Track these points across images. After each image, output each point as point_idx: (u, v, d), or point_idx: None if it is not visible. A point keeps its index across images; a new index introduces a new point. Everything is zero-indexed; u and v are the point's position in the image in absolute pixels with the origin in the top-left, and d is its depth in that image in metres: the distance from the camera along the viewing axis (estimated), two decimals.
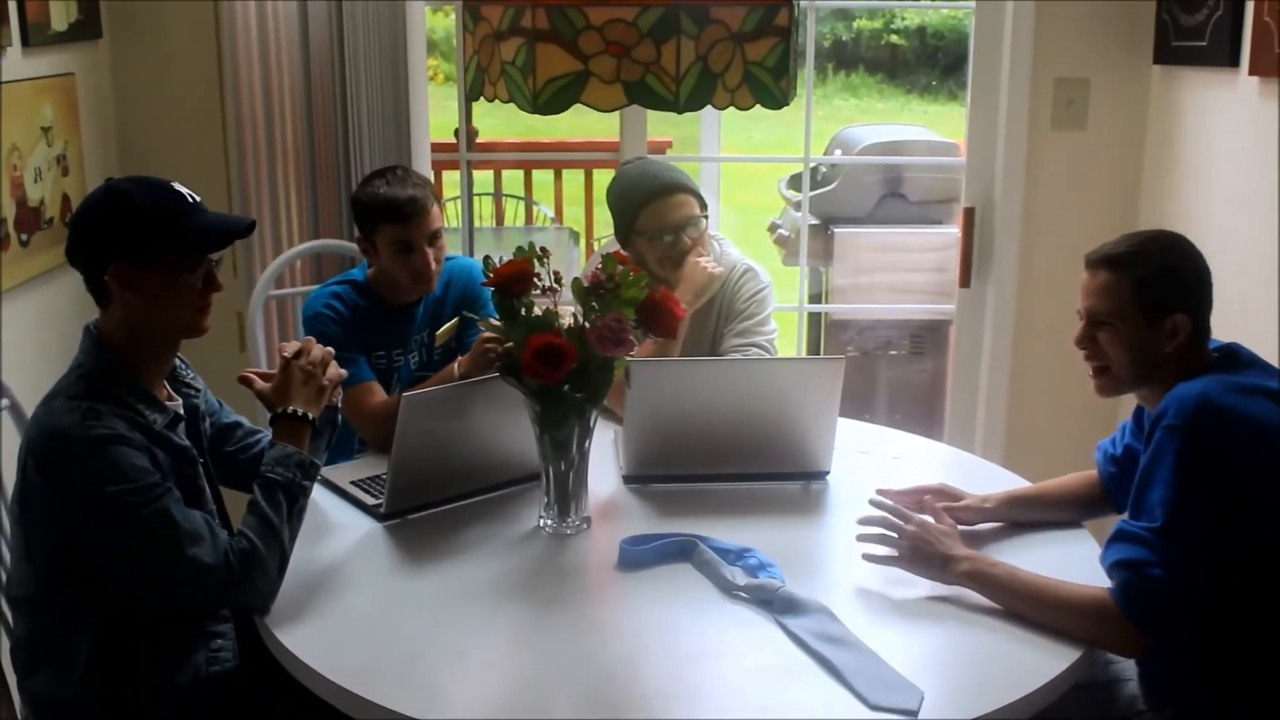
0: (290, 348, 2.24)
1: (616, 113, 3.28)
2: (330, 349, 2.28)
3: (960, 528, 2.23)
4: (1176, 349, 2.09)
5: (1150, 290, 2.09)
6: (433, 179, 3.81)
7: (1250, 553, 1.95)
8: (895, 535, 2.16)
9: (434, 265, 2.86)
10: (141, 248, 2.04)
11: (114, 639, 2.07)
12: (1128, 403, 2.38)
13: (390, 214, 2.81)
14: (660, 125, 4.87)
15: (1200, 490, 1.94)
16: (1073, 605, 1.97)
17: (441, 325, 2.95)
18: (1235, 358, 2.13)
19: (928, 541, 2.13)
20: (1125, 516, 2.07)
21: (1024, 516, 2.38)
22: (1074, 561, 2.17)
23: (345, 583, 2.17)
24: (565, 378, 2.16)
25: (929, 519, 2.20)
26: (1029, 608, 2.00)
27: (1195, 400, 1.97)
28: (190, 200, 2.10)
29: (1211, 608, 1.95)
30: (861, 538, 2.20)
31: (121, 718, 2.09)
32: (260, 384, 2.26)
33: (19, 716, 2.15)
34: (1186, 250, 2.15)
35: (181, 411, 2.16)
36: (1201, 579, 1.93)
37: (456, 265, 3.00)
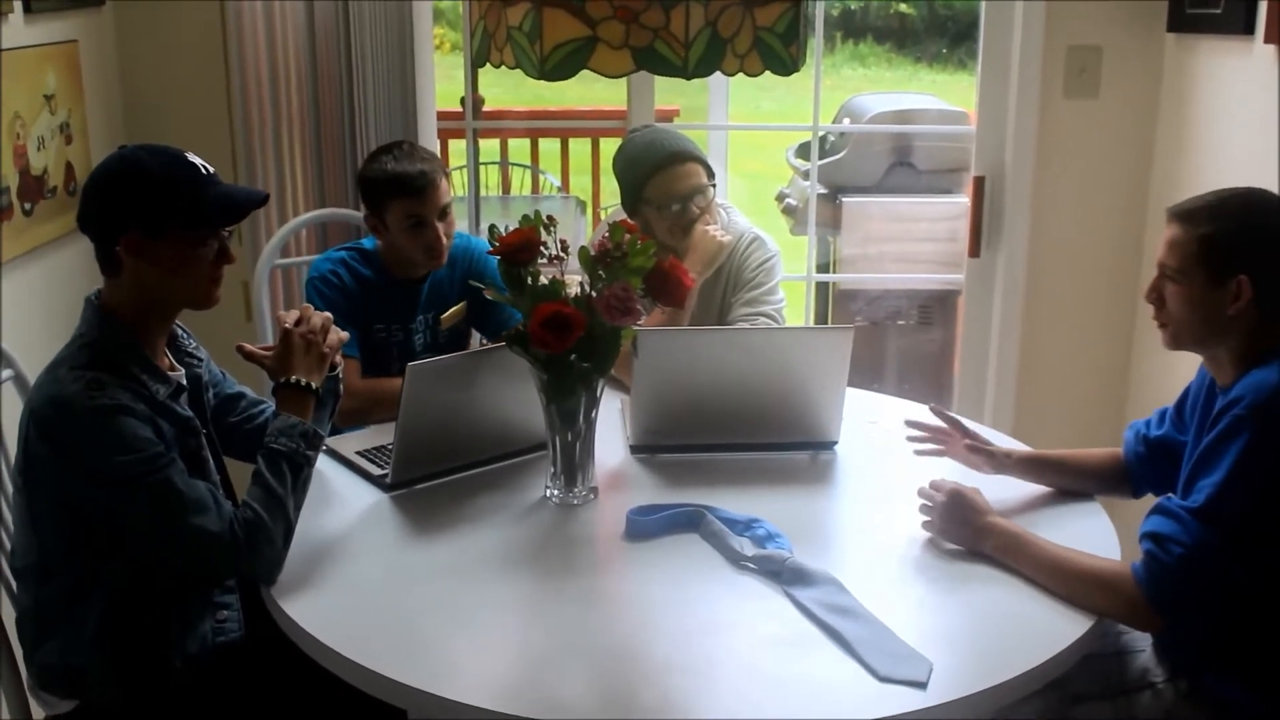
0: (289, 317, 2.22)
1: (623, 81, 3.26)
2: (329, 314, 2.26)
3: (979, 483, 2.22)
4: (1241, 313, 2.01)
5: (1215, 247, 2.02)
6: (439, 148, 3.79)
7: None
8: (929, 504, 2.17)
9: (445, 240, 2.85)
10: (157, 219, 2.02)
11: (120, 609, 2.07)
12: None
13: (400, 189, 2.79)
14: (668, 94, 4.84)
15: (1254, 485, 1.89)
16: (1094, 578, 1.96)
17: (447, 307, 2.94)
18: None
19: (960, 508, 2.13)
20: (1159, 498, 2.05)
21: (1041, 480, 2.37)
22: (1087, 539, 2.14)
23: (351, 553, 2.16)
24: (572, 347, 2.14)
25: (962, 487, 2.17)
26: (1051, 579, 1.99)
27: (1271, 393, 1.91)
28: (205, 172, 2.08)
29: (1235, 595, 1.92)
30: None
31: (129, 687, 2.09)
32: (260, 353, 2.25)
33: (25, 687, 2.15)
34: (1269, 210, 2.07)
35: (184, 382, 2.15)
36: (1227, 568, 1.90)
37: (457, 246, 2.99)
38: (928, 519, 2.17)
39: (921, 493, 2.20)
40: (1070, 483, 2.37)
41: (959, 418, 2.51)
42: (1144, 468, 2.30)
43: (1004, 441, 2.55)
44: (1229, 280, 2.01)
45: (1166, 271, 2.08)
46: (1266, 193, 2.10)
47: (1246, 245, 2.02)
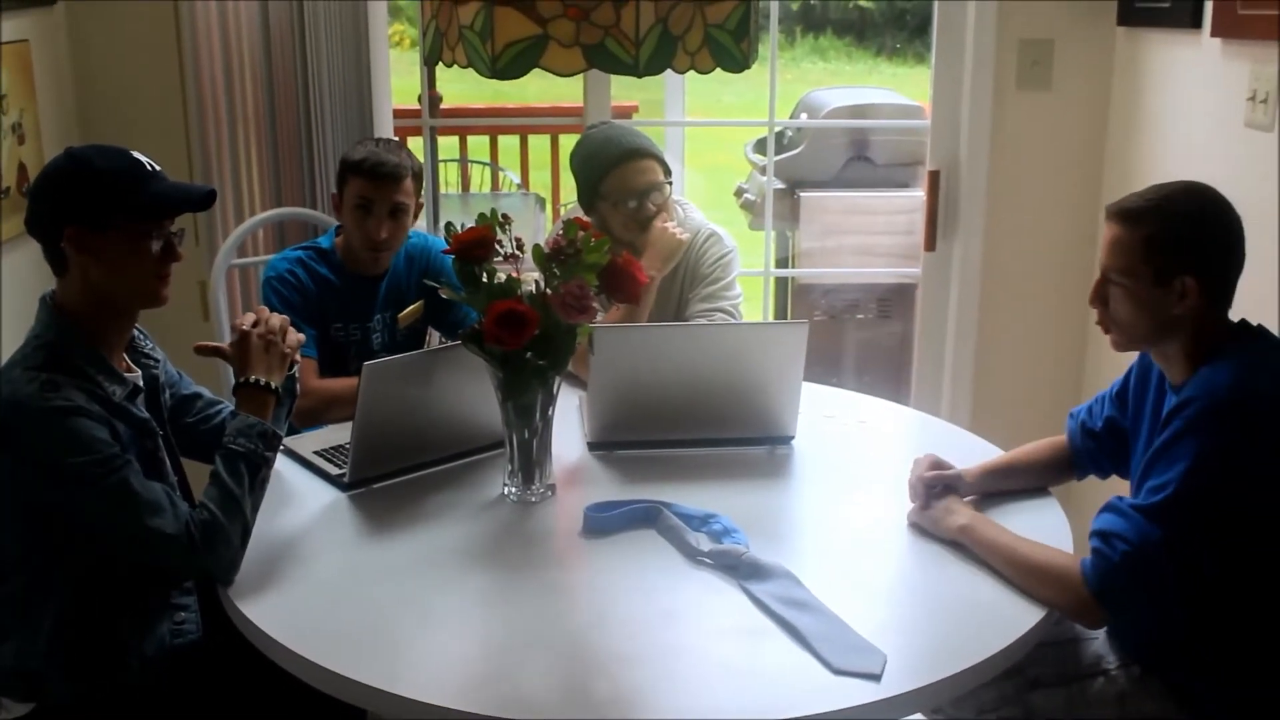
0: (247, 319, 2.23)
1: (581, 76, 3.26)
2: (286, 316, 2.26)
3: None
4: (1188, 312, 1.99)
5: (1158, 248, 1.99)
6: None
7: (1242, 543, 1.92)
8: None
9: (385, 237, 2.85)
10: (98, 212, 2.02)
11: (78, 611, 2.06)
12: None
13: (362, 169, 2.82)
14: (627, 89, 4.84)
15: (1203, 488, 1.89)
16: (1042, 570, 1.98)
17: (405, 305, 2.94)
18: (1251, 331, 2.05)
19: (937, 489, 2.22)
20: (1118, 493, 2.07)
21: (998, 486, 2.36)
22: (1041, 530, 2.16)
23: (309, 553, 2.16)
24: (528, 344, 2.15)
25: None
26: (1005, 566, 2.02)
27: (1225, 394, 1.90)
28: (149, 168, 2.08)
29: (1179, 592, 1.93)
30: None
31: (87, 689, 2.08)
32: (223, 346, 2.25)
33: None
34: (1210, 207, 2.02)
35: (140, 383, 2.14)
36: (1170, 564, 1.90)
37: (414, 244, 2.99)
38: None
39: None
40: (1025, 482, 2.38)
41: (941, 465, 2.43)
42: (1096, 458, 2.32)
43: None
44: (1174, 280, 1.99)
45: (1110, 274, 2.05)
46: (1207, 188, 2.07)
47: (1191, 244, 2.00)
